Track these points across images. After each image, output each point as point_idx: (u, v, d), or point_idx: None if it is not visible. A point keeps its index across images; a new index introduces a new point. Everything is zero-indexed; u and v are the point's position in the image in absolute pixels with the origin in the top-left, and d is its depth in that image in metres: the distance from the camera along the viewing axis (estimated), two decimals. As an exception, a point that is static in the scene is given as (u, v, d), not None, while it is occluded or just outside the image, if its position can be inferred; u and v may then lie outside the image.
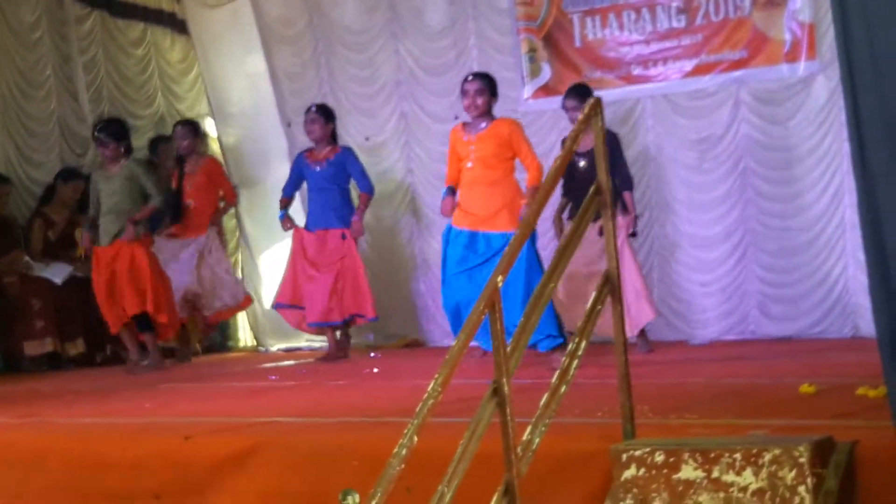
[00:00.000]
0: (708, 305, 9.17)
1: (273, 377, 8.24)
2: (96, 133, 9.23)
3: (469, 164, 7.75)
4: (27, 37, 10.59)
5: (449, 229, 7.88)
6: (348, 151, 9.33)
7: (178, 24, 11.93)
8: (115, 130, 9.21)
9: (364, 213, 9.25)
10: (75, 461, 5.12)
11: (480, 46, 10.01)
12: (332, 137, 9.34)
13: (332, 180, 9.21)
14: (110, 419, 5.98)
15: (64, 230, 10.15)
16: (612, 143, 8.16)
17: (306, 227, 9.32)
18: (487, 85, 7.80)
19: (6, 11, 10.39)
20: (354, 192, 9.39)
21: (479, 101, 7.73)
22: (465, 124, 7.93)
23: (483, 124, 7.77)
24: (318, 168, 9.21)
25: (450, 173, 7.95)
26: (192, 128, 10.31)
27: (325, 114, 9.30)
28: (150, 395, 7.19)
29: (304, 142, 9.83)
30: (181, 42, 12.01)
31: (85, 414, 6.25)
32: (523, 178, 7.87)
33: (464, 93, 7.84)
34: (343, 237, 9.17)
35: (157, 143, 11.19)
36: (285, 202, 9.42)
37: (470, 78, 7.93)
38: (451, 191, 7.85)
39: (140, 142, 11.42)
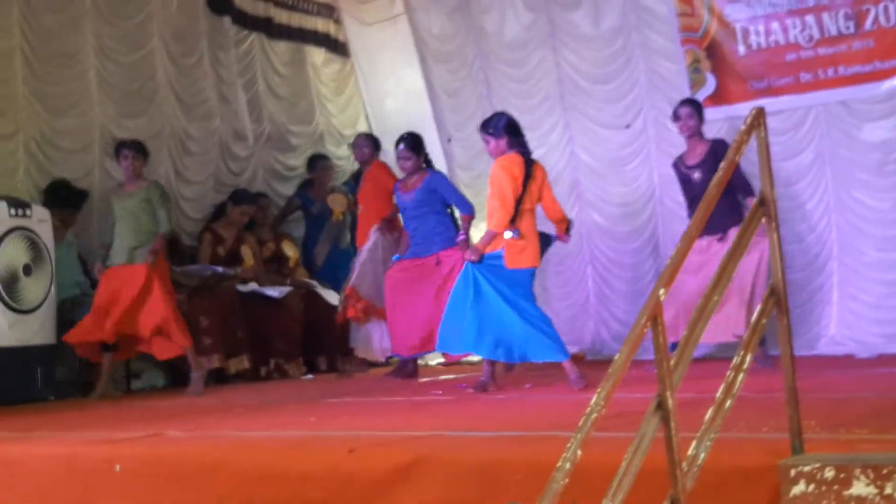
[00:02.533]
0: (892, 306, 8.95)
1: (437, 392, 8.28)
2: (125, 147, 9.15)
3: None
4: (189, 59, 10.90)
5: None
6: (437, 175, 9.15)
7: (331, 44, 12.17)
8: (142, 146, 9.23)
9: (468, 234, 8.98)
10: (245, 473, 5.21)
11: (646, 56, 9.97)
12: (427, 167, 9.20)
13: (420, 207, 9.06)
14: (277, 432, 6.09)
15: (232, 247, 10.41)
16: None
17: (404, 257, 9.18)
18: (484, 130, 7.81)
19: (166, 38, 10.70)
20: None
21: (488, 147, 7.82)
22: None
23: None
24: (407, 198, 9.07)
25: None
26: (371, 139, 10.24)
27: (414, 148, 9.09)
28: (315, 409, 7.30)
29: (464, 158, 9.86)
30: (335, 61, 12.23)
31: (253, 427, 6.36)
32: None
33: None
34: (437, 262, 8.99)
35: (314, 160, 11.38)
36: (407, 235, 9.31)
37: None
38: None
39: (300, 160, 11.67)
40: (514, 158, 7.69)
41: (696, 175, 8.45)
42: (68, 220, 9.64)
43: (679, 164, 8.68)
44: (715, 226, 7.63)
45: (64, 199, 9.59)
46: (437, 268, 8.99)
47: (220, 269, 10.11)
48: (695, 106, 8.63)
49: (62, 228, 9.46)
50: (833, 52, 9.01)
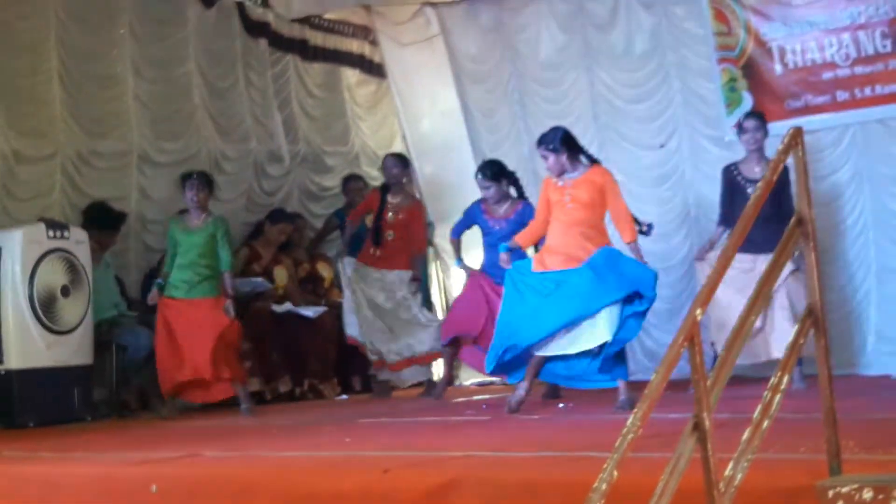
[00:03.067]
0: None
1: (470, 412, 8.27)
2: (195, 176, 9.18)
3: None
4: (225, 82, 10.97)
5: None
6: (529, 207, 9.07)
7: (366, 65, 12.21)
8: (208, 178, 9.28)
9: None
10: (282, 494, 5.21)
11: (679, 76, 9.96)
12: (516, 190, 9.25)
13: (509, 237, 9.05)
14: (313, 453, 6.10)
15: (268, 265, 10.45)
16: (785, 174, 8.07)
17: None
18: (542, 147, 7.83)
19: (201, 62, 10.76)
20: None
21: (547, 164, 7.84)
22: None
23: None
24: (496, 227, 9.10)
25: None
26: (401, 159, 10.34)
27: (493, 177, 9.11)
28: (350, 430, 7.31)
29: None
30: (369, 81, 12.28)
31: (289, 448, 6.38)
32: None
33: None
34: None
35: (347, 181, 11.42)
36: (457, 244, 9.49)
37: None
38: None
39: (335, 181, 11.71)
40: None
41: (751, 190, 8.31)
42: (106, 241, 9.70)
43: (735, 172, 8.46)
44: (767, 244, 7.54)
45: (102, 220, 9.66)
46: None
47: (258, 280, 10.14)
48: (761, 119, 8.53)
49: (99, 250, 9.52)
50: (870, 71, 8.97)
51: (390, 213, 9.95)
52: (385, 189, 10.06)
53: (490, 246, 9.16)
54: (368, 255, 10.04)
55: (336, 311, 10.64)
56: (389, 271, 9.98)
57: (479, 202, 9.28)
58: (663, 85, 10.06)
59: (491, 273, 9.14)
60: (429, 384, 10.03)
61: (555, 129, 7.88)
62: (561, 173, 7.76)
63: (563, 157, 7.71)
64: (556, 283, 7.56)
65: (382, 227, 9.97)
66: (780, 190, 7.65)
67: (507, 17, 10.93)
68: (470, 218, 9.36)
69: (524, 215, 9.00)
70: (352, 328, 9.91)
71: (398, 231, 9.97)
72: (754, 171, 8.33)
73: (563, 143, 7.73)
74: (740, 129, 8.53)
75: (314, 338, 10.34)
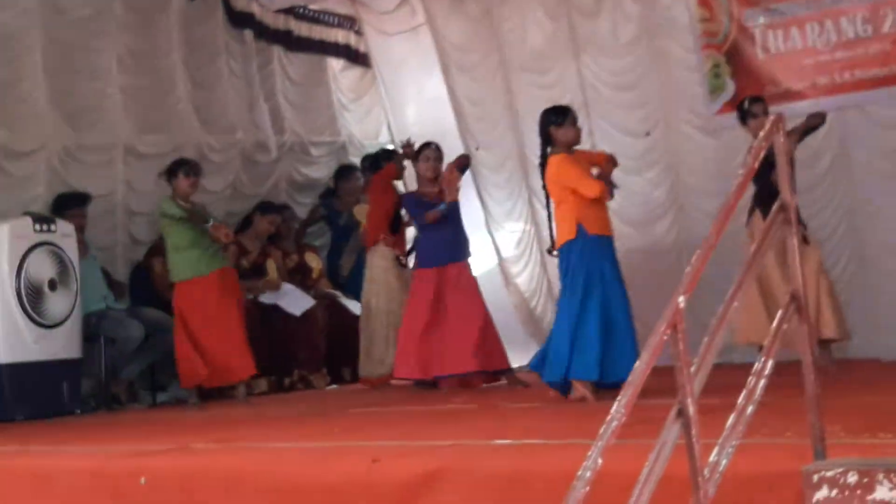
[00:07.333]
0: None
1: (458, 400, 8.28)
2: (193, 164, 9.35)
3: None
4: (209, 72, 10.94)
5: None
6: None
7: (352, 55, 12.20)
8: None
9: None
10: (270, 485, 5.23)
11: (664, 63, 9.95)
12: None
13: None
14: (302, 443, 6.11)
15: (256, 259, 10.42)
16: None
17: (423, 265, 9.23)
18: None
19: (185, 54, 10.74)
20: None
21: None
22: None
23: None
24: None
25: None
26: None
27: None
28: (339, 420, 7.32)
29: (493, 163, 9.78)
30: (354, 72, 12.26)
31: (278, 438, 6.39)
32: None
33: None
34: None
35: (342, 171, 11.40)
36: None
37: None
38: None
39: (321, 172, 11.70)
40: None
41: None
42: (77, 220, 9.53)
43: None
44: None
45: (66, 201, 9.58)
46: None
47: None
48: (765, 102, 8.31)
49: (83, 241, 9.44)
50: (850, 56, 8.96)
51: None
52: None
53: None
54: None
55: (325, 301, 10.63)
56: None
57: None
58: (649, 73, 10.05)
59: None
60: None
61: None
62: None
63: None
64: None
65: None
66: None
67: (493, 5, 10.89)
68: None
69: None
70: None
71: None
72: None
73: None
74: (746, 113, 8.30)
75: (303, 328, 10.31)
